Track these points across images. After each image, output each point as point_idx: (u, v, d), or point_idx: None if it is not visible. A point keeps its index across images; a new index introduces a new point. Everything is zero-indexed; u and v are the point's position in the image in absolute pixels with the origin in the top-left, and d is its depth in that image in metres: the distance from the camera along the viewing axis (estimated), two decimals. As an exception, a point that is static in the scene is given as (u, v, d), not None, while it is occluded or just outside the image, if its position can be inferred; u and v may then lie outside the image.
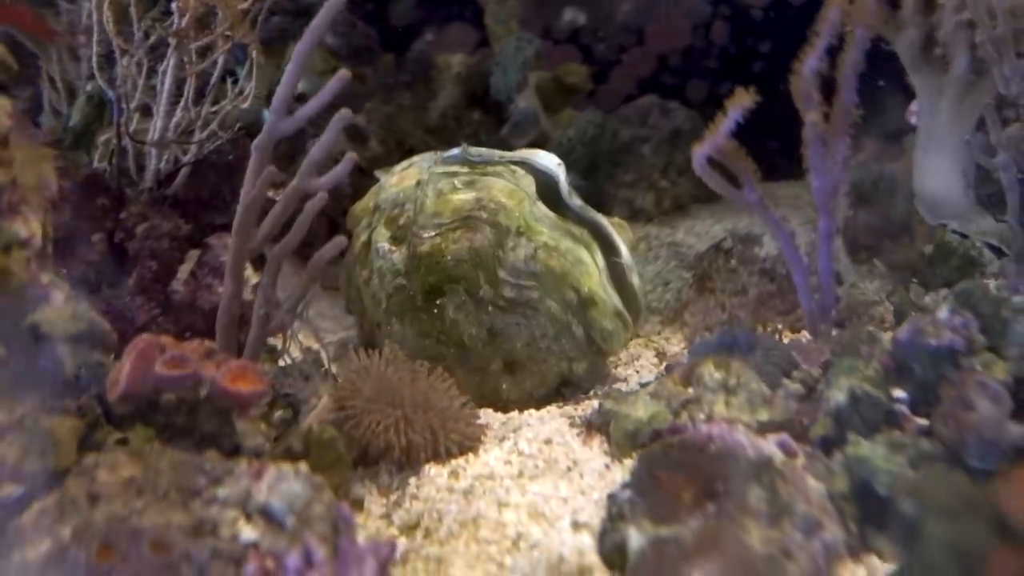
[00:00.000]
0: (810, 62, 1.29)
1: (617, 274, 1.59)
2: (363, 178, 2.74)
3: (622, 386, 1.60)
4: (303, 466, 0.98)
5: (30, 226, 1.06)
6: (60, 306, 1.09)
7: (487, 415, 1.51)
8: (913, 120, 2.32)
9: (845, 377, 1.10)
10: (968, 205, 2.15)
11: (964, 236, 2.09)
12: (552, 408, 1.53)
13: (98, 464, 1.02)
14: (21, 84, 1.95)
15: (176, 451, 1.03)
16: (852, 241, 2.24)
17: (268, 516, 0.91)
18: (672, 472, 1.00)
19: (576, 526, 1.06)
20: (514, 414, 1.52)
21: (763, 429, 1.14)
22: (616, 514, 1.00)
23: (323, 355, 1.57)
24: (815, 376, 1.26)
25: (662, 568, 0.89)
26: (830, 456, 1.04)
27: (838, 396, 1.09)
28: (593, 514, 1.08)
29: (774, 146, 4.28)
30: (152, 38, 1.63)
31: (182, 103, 1.75)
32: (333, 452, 1.18)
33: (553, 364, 1.58)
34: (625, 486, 1.03)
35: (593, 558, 0.99)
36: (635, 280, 1.59)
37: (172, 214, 1.78)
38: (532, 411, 1.52)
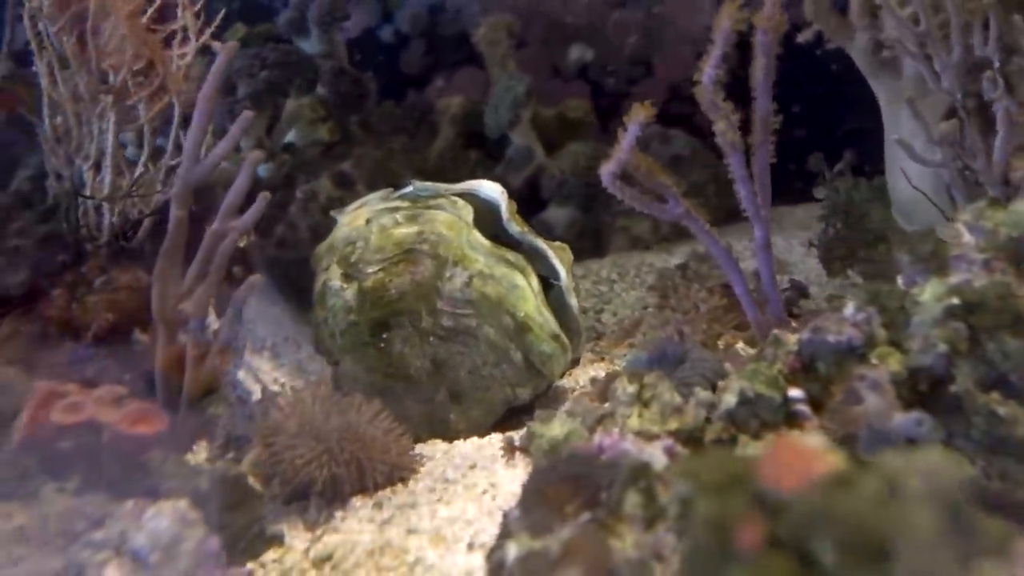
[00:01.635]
0: (708, 72, 1.28)
1: (555, 297, 1.58)
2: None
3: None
4: (183, 503, 0.98)
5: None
6: None
7: (434, 446, 1.49)
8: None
9: (737, 380, 1.07)
10: (944, 205, 2.10)
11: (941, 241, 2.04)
12: (496, 435, 1.51)
13: (-6, 512, 1.04)
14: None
15: (68, 498, 1.05)
16: (825, 256, 2.21)
17: (135, 556, 0.91)
18: (559, 485, 0.98)
19: (471, 547, 1.05)
20: (458, 443, 1.50)
21: (676, 438, 1.12)
22: (504, 532, 0.98)
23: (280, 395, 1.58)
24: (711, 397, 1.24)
25: (528, 583, 0.88)
26: (721, 462, 1.02)
27: (728, 399, 1.06)
28: (493, 534, 1.06)
29: (791, 168, 4.25)
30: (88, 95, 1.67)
31: (142, 158, 1.80)
32: (240, 490, 1.18)
33: (497, 391, 1.57)
34: (516, 504, 1.02)
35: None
36: (573, 302, 1.58)
37: (132, 267, 1.81)
38: (475, 439, 1.50)
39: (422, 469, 1.36)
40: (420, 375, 1.58)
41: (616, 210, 3.41)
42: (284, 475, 1.28)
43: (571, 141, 3.87)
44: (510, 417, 1.61)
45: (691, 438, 1.13)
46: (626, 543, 0.88)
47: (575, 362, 1.76)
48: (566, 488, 0.98)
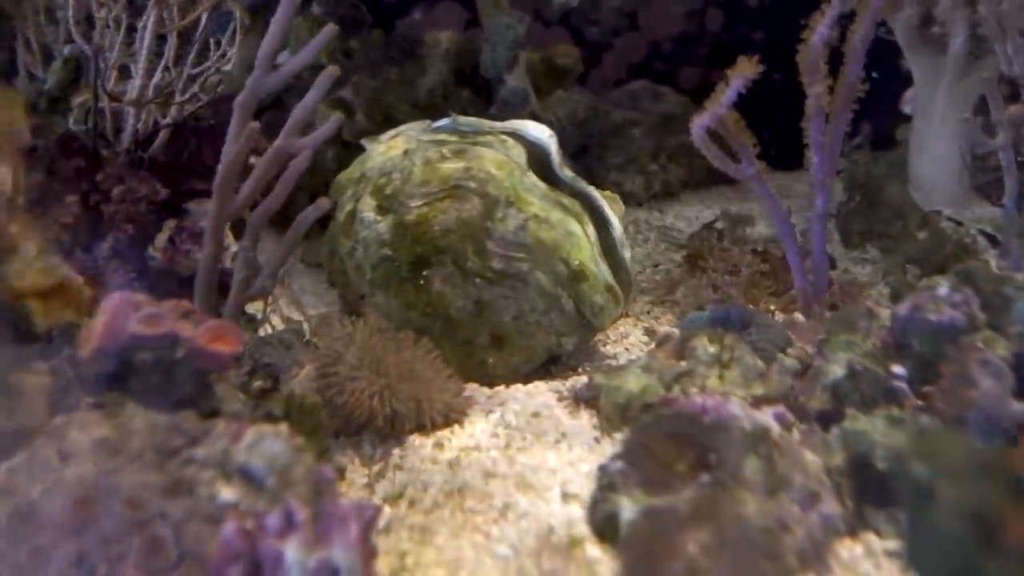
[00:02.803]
0: (821, 30, 1.25)
1: (608, 248, 1.56)
2: (347, 151, 2.69)
3: (612, 363, 1.57)
4: (284, 427, 0.94)
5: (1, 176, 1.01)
6: (31, 258, 1.04)
7: (473, 389, 1.46)
8: (907, 109, 2.30)
9: (843, 352, 1.07)
10: (963, 191, 2.13)
11: (958, 223, 2.07)
12: (539, 383, 1.49)
13: (69, 423, 0.98)
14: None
15: (151, 412, 0.99)
16: (844, 227, 2.22)
17: (247, 477, 0.87)
18: (664, 443, 0.97)
19: (566, 497, 1.02)
20: (500, 388, 1.48)
21: (758, 403, 1.11)
22: (607, 485, 0.97)
23: (304, 326, 1.53)
24: (810, 354, 1.23)
25: (655, 538, 0.86)
26: (827, 431, 1.01)
27: (836, 370, 1.06)
28: (583, 485, 1.04)
29: (766, 136, 4.25)
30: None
31: (162, 63, 1.70)
32: (313, 419, 1.14)
33: (542, 339, 1.54)
34: (616, 457, 1.00)
35: (583, 529, 0.96)
36: (626, 254, 1.56)
37: (150, 178, 1.72)
38: (519, 385, 1.48)
39: (475, 412, 1.34)
40: (461, 316, 1.54)
41: (609, 164, 3.39)
42: (344, 407, 1.24)
43: (556, 88, 3.82)
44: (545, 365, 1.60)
45: (778, 403, 1.12)
46: (749, 509, 0.87)
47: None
48: (672, 446, 0.96)
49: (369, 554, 0.79)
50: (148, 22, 1.54)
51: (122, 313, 1.04)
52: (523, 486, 1.06)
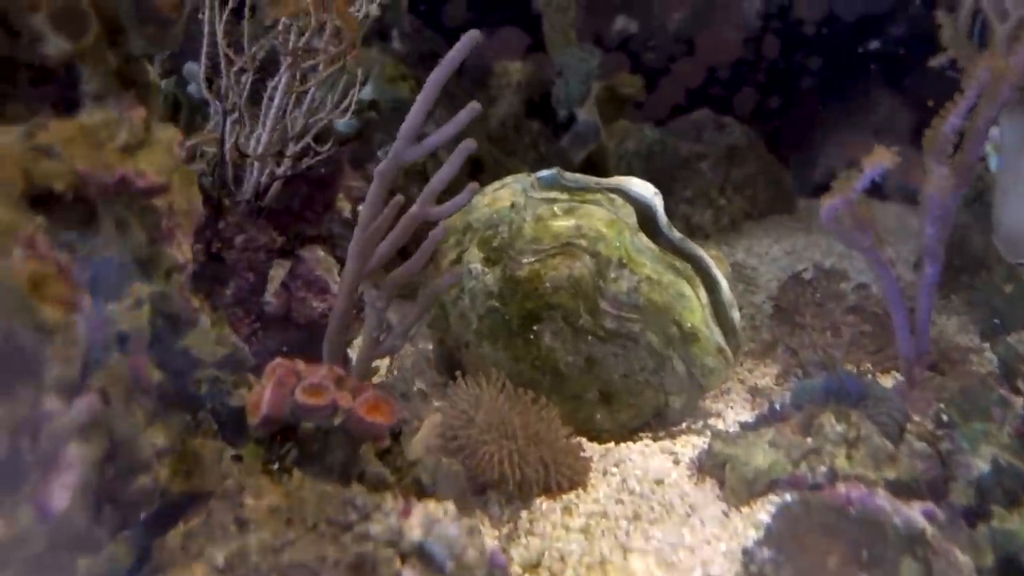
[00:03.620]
0: (952, 120, 1.28)
1: (718, 309, 1.59)
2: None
3: (717, 422, 1.61)
4: (451, 506, 0.98)
5: (184, 251, 1.07)
6: (207, 330, 1.10)
7: (585, 445, 1.51)
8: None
9: (985, 444, 1.10)
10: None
11: (1045, 276, 2.09)
12: (650, 442, 1.53)
13: (243, 489, 1.03)
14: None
15: (317, 481, 1.04)
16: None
17: (426, 559, 0.92)
18: (813, 534, 1.00)
19: (710, 580, 1.06)
20: (611, 446, 1.52)
21: (890, 488, 1.14)
22: (756, 573, 1.00)
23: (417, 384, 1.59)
24: (931, 431, 1.26)
25: (817, 635, 0.90)
26: (973, 528, 1.04)
27: (981, 465, 1.09)
28: (725, 568, 1.08)
29: (820, 160, 4.26)
30: (262, 52, 1.64)
31: (275, 113, 1.76)
32: (459, 486, 1.19)
33: (651, 397, 1.58)
34: (762, 543, 1.04)
35: (735, 617, 1.00)
36: (735, 315, 1.59)
37: (267, 226, 1.79)
38: (630, 444, 1.52)
39: (595, 475, 1.38)
40: (570, 371, 1.58)
41: (678, 197, 3.42)
42: (474, 469, 1.29)
43: (617, 115, 3.87)
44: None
45: (909, 489, 1.15)
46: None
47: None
48: (821, 538, 1.00)
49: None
50: (280, 83, 1.60)
51: (287, 382, 1.09)
52: (664, 565, 1.10)
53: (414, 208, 1.36)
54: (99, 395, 0.91)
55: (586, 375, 1.59)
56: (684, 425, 1.62)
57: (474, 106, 1.31)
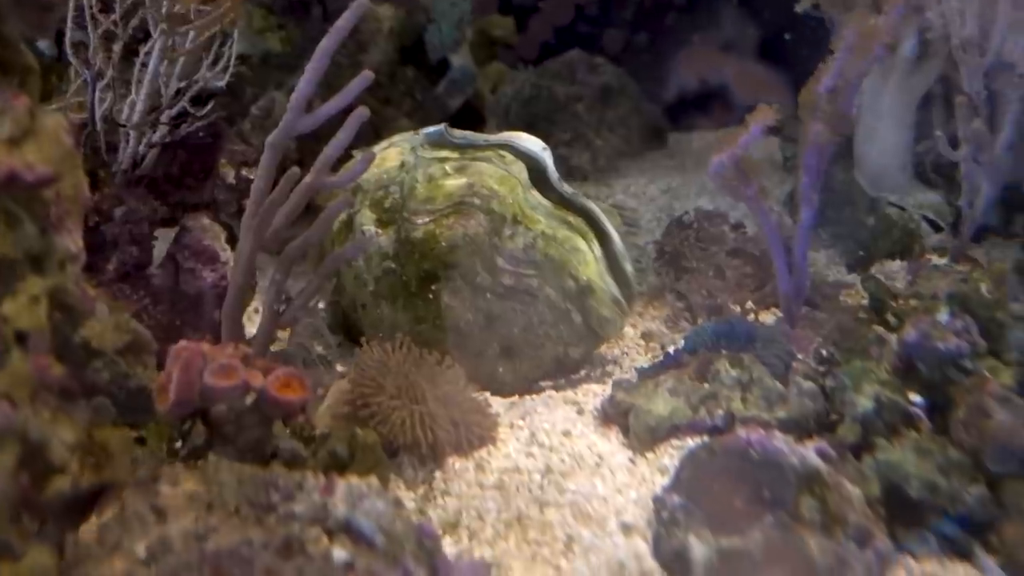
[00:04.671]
0: (826, 82, 1.34)
1: (611, 261, 1.64)
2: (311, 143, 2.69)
3: (615, 370, 1.66)
4: (374, 480, 1.00)
5: (75, 240, 1.03)
6: (105, 319, 1.07)
7: (490, 400, 1.54)
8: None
9: (867, 383, 1.18)
10: (907, 178, 2.29)
11: (902, 209, 2.23)
12: (552, 392, 1.58)
13: (158, 478, 1.02)
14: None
15: (235, 464, 1.04)
16: (793, 210, 2.35)
17: (355, 535, 0.93)
18: (720, 478, 1.07)
19: (625, 529, 1.12)
20: (515, 399, 1.56)
21: (783, 427, 1.22)
22: (668, 520, 1.06)
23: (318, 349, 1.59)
24: (815, 369, 1.35)
25: (730, 576, 0.96)
26: (859, 460, 1.13)
27: (865, 403, 1.17)
28: (637, 515, 1.14)
29: (688, 98, 4.37)
30: (134, 20, 1.56)
31: (148, 78, 1.69)
32: (375, 456, 1.20)
33: (550, 348, 1.62)
34: (670, 490, 1.10)
35: (651, 564, 1.05)
36: (628, 267, 1.65)
37: (147, 196, 1.73)
38: (533, 396, 1.56)
39: (503, 429, 1.42)
40: (471, 328, 1.61)
41: (557, 140, 3.45)
42: (387, 435, 1.31)
43: (490, 58, 3.87)
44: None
45: (799, 426, 1.24)
46: (812, 549, 0.98)
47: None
48: (727, 482, 1.06)
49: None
50: (154, 49, 1.53)
51: (194, 365, 1.08)
52: (580, 516, 1.15)
53: (308, 178, 1.34)
54: (4, 400, 0.88)
55: (486, 331, 1.62)
56: (583, 373, 1.68)
57: (367, 75, 1.29)
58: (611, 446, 1.33)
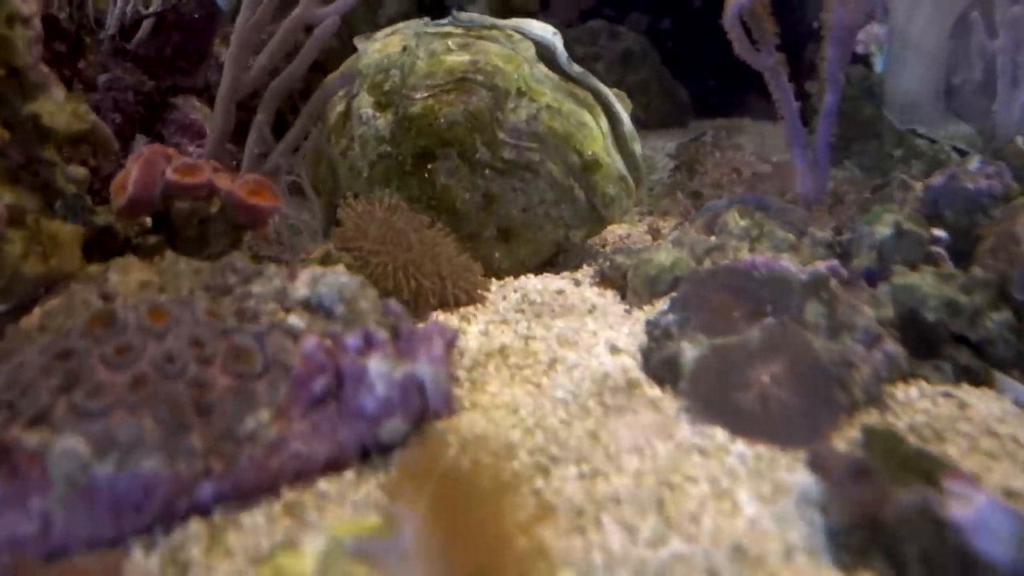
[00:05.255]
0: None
1: (620, 141, 1.55)
2: (316, 73, 2.63)
3: (619, 255, 1.56)
4: (341, 266, 0.91)
5: (30, 5, 0.95)
6: (61, 102, 0.99)
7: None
8: (859, 48, 2.35)
9: (887, 214, 1.08)
10: (938, 110, 2.18)
11: (932, 141, 2.12)
12: (549, 275, 1.48)
13: (107, 268, 0.93)
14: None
15: (193, 259, 0.95)
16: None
17: (314, 308, 0.84)
18: (719, 294, 0.97)
19: (614, 350, 1.02)
20: (509, 279, 1.47)
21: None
22: (661, 335, 0.96)
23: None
24: (830, 236, 1.25)
25: (726, 371, 0.86)
26: (874, 288, 1.03)
27: (883, 230, 1.07)
28: (629, 343, 1.04)
29: (711, 84, 4.28)
30: None
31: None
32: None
33: (550, 231, 1.53)
34: (667, 311, 1.00)
35: (639, 375, 0.95)
36: (637, 148, 1.55)
37: (134, 68, 1.66)
38: (530, 276, 1.47)
39: (495, 294, 1.32)
40: (468, 208, 1.52)
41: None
42: (368, 280, 1.21)
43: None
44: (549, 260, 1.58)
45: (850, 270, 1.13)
46: (817, 345, 0.87)
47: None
48: (727, 297, 0.96)
49: (451, 372, 0.77)
50: None
51: (157, 162, 0.99)
52: (566, 343, 1.05)
53: (297, 10, 1.26)
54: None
55: (484, 212, 1.52)
56: (585, 267, 1.58)
57: None
58: (607, 301, 1.23)
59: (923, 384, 0.95)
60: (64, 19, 1.61)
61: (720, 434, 0.83)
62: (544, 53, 1.62)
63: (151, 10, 1.67)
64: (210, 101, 1.86)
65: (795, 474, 0.76)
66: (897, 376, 0.92)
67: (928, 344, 0.97)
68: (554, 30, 1.66)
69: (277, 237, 1.51)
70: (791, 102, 1.47)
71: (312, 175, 1.76)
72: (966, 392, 0.93)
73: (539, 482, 0.76)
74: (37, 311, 0.92)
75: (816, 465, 0.71)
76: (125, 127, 1.61)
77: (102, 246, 1.08)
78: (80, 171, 1.09)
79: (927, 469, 0.65)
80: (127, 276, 0.91)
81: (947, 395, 0.91)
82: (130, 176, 0.98)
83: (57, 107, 0.99)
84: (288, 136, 1.33)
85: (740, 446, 0.81)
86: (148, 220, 1.06)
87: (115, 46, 1.65)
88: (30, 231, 0.95)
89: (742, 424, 0.83)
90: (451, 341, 0.80)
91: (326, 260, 1.10)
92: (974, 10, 2.05)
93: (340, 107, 1.67)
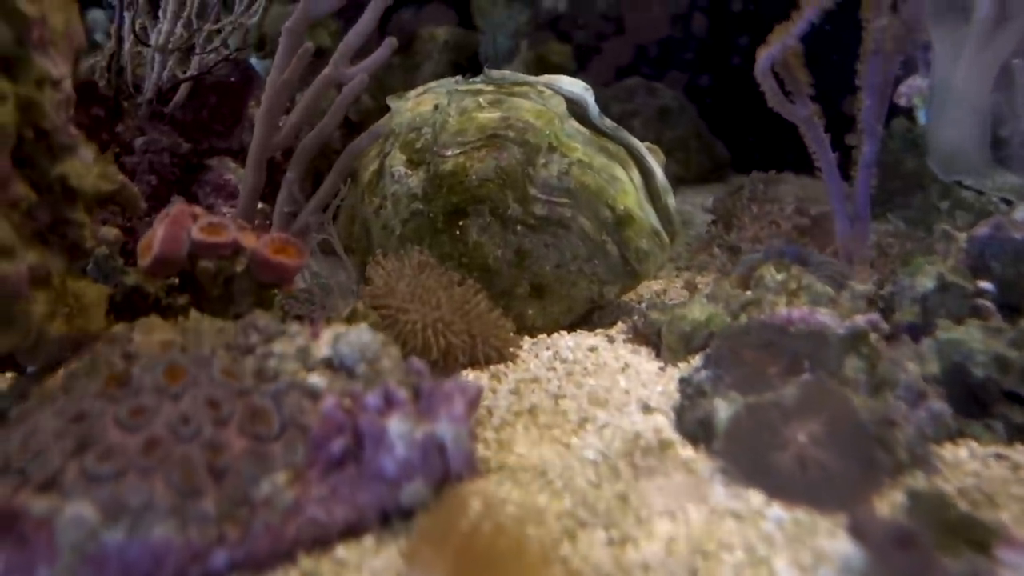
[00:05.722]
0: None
1: (652, 195, 1.53)
2: (353, 133, 2.67)
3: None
4: (364, 324, 0.89)
5: (59, 69, 0.96)
6: (89, 163, 0.99)
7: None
8: (902, 101, 2.32)
9: (931, 266, 1.04)
10: (984, 160, 2.13)
11: (980, 192, 2.08)
12: (583, 332, 1.45)
13: (131, 328, 0.93)
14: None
15: (216, 319, 0.94)
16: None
17: (336, 367, 0.82)
18: (754, 350, 0.93)
19: (647, 409, 0.98)
20: (543, 337, 1.44)
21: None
22: (694, 392, 0.93)
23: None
24: (872, 289, 1.21)
25: (761, 431, 0.82)
26: (917, 343, 0.98)
27: (926, 283, 1.03)
28: (662, 402, 1.01)
29: (751, 139, 4.27)
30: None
31: (185, 14, 1.66)
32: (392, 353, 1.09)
33: (584, 287, 1.50)
34: (701, 368, 0.97)
35: (672, 435, 0.92)
36: (671, 202, 1.53)
37: (170, 131, 1.68)
38: (563, 333, 1.44)
39: (526, 352, 1.30)
40: (500, 265, 1.50)
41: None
42: (396, 339, 1.20)
43: (546, 86, 3.82)
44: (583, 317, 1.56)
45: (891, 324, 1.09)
46: (854, 403, 0.83)
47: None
48: (762, 353, 0.93)
49: (473, 432, 0.74)
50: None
51: (183, 221, 0.99)
52: (597, 403, 1.02)
53: (327, 68, 1.27)
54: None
55: (516, 268, 1.50)
56: (620, 324, 1.55)
57: (391, 41, 1.22)
58: (640, 358, 1.20)
59: (973, 444, 0.90)
60: (103, 85, 1.64)
61: (756, 497, 0.79)
62: (575, 109, 1.61)
63: (188, 74, 1.69)
64: (244, 162, 1.89)
65: (836, 541, 0.72)
66: (944, 436, 0.88)
67: (977, 402, 0.93)
68: (585, 85, 1.65)
69: (308, 296, 1.51)
70: (828, 153, 1.44)
71: (346, 234, 1.76)
72: (1020, 453, 0.88)
73: (566, 548, 0.73)
74: (61, 372, 0.91)
75: (858, 531, 0.67)
76: (161, 189, 1.63)
77: (132, 306, 1.08)
78: (112, 232, 1.10)
79: (978, 536, 0.61)
80: (150, 336, 0.91)
81: (999, 456, 0.87)
82: (156, 235, 0.98)
83: (85, 168, 0.99)
84: (318, 193, 1.33)
85: (777, 510, 0.77)
86: (176, 279, 1.06)
87: (152, 110, 1.67)
88: (55, 291, 0.94)
89: (779, 486, 0.79)
90: (473, 399, 0.77)
91: (353, 318, 1.09)
92: (1016, 58, 2.02)
93: (373, 166, 1.67)
